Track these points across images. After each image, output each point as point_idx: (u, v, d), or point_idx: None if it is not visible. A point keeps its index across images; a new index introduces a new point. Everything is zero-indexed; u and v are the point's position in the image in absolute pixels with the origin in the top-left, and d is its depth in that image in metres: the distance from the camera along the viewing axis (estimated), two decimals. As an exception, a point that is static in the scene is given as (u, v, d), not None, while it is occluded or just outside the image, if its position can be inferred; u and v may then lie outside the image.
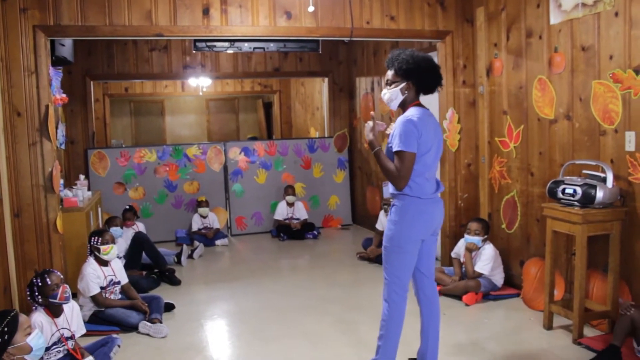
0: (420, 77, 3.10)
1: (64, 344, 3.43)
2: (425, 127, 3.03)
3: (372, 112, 3.35)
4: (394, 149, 3.02)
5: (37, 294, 3.35)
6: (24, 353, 2.91)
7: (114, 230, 5.35)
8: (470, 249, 4.84)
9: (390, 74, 3.17)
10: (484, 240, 4.85)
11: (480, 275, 4.74)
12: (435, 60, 5.55)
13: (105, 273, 4.44)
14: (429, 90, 3.19)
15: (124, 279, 4.61)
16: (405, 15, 5.14)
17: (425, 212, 3.10)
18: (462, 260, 4.96)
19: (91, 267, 4.38)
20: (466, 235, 4.90)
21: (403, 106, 3.16)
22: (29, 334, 2.94)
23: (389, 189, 3.19)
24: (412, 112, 3.07)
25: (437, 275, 4.98)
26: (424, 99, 3.23)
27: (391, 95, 3.15)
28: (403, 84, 3.11)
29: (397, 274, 3.12)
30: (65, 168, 6.97)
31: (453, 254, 5.06)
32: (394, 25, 5.11)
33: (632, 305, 3.41)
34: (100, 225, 5.99)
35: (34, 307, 3.41)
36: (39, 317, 3.35)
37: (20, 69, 4.27)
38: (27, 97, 4.31)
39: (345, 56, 8.43)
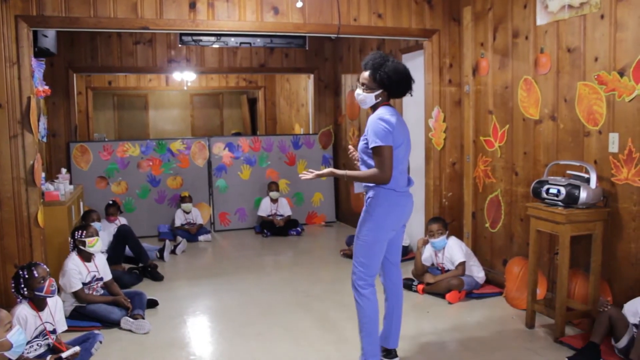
0: (396, 89, 3.26)
1: (47, 336, 3.39)
2: (396, 125, 3.17)
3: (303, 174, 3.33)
4: (371, 146, 3.14)
5: (22, 286, 3.32)
6: (4, 349, 2.86)
7: (93, 225, 5.28)
8: (421, 245, 5.04)
9: (367, 78, 3.27)
10: (447, 237, 4.92)
11: (464, 267, 4.78)
12: (422, 59, 5.61)
13: (88, 269, 4.38)
14: (399, 97, 3.38)
15: (107, 275, 4.54)
16: (393, 13, 5.14)
17: (399, 204, 3.25)
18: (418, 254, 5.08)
19: (73, 262, 4.31)
20: (430, 239, 4.92)
21: (374, 107, 3.31)
22: (10, 329, 2.89)
23: (361, 184, 3.32)
24: (383, 111, 3.22)
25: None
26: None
27: (365, 98, 3.29)
28: (378, 92, 3.25)
29: (368, 263, 3.26)
30: (47, 161, 6.87)
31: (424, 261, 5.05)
32: (381, 22, 5.11)
33: (608, 301, 3.51)
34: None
35: (18, 300, 3.37)
36: (23, 310, 3.31)
37: (1, 60, 4.18)
38: (9, 89, 4.22)
39: (331, 53, 8.41)
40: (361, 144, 3.29)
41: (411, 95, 3.36)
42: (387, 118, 3.14)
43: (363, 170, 3.25)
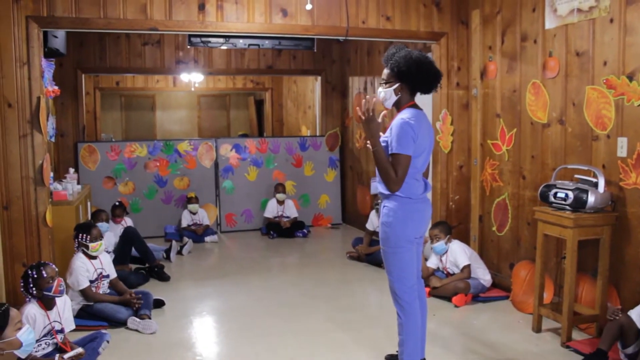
0: (413, 80, 3.09)
1: (54, 337, 3.40)
2: (421, 130, 3.04)
3: (367, 98, 3.12)
4: (391, 152, 3.02)
5: (31, 286, 3.33)
6: (14, 348, 2.87)
7: (100, 225, 5.29)
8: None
9: (385, 72, 3.16)
10: (448, 241, 4.91)
11: (469, 270, 4.78)
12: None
13: (94, 266, 4.41)
14: (425, 91, 3.19)
15: (112, 273, 4.59)
16: (401, 16, 5.14)
17: (416, 211, 3.12)
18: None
19: (80, 260, 4.34)
20: (431, 245, 4.93)
21: (397, 106, 3.16)
22: (20, 328, 2.91)
23: (377, 187, 3.20)
24: (407, 113, 3.06)
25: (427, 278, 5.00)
26: (417, 97, 3.22)
27: (385, 94, 3.15)
28: (396, 85, 3.11)
29: (401, 274, 3.14)
30: (55, 161, 6.91)
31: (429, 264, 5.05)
32: (390, 25, 5.11)
33: (619, 309, 3.42)
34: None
35: (27, 299, 3.38)
36: (32, 309, 3.33)
37: (12, 60, 4.22)
38: (19, 89, 4.26)
39: (338, 55, 8.42)
40: (383, 140, 3.13)
41: (435, 90, 3.19)
42: (412, 122, 2.99)
43: (389, 163, 3.00)
